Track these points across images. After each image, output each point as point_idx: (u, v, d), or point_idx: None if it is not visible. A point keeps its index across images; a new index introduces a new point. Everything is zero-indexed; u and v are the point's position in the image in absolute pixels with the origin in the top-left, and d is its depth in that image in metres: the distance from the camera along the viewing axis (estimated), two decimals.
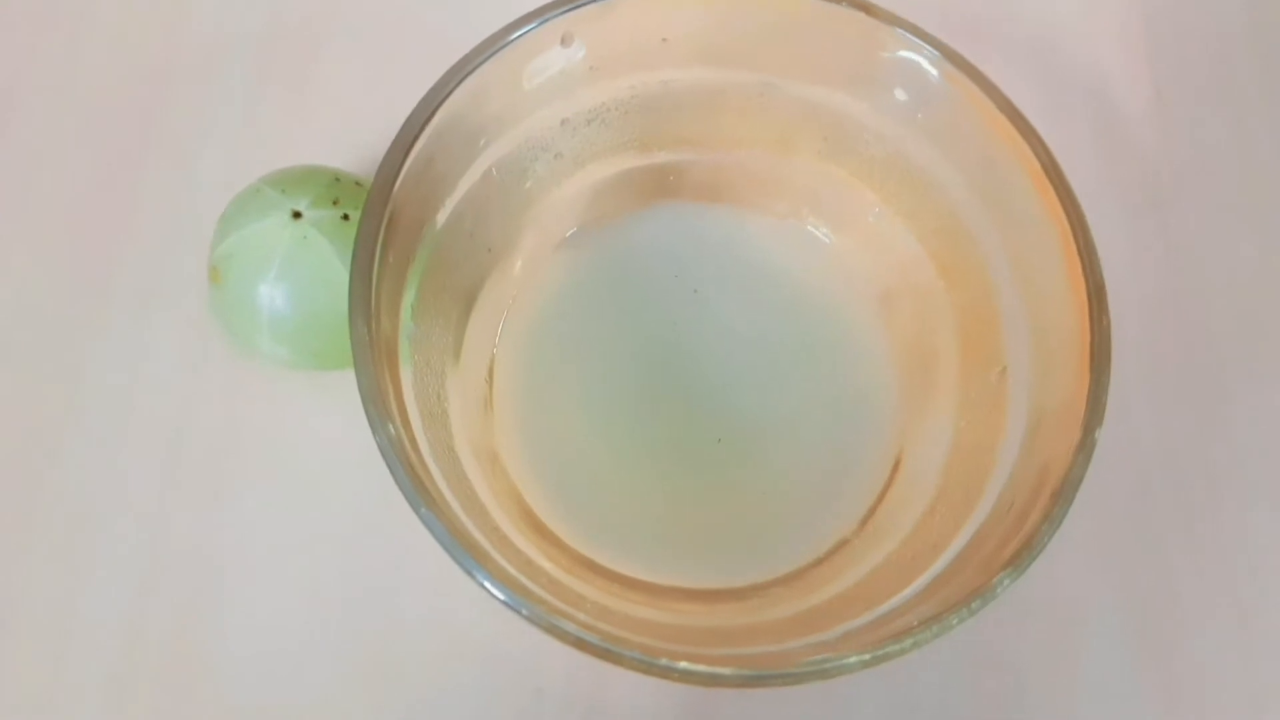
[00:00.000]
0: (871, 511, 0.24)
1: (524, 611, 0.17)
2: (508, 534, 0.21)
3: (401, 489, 0.17)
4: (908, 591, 0.20)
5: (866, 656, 0.17)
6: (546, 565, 0.21)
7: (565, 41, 0.23)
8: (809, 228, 0.27)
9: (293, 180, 0.24)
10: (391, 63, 0.30)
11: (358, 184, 0.25)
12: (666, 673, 0.17)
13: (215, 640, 0.24)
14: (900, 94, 0.23)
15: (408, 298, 0.21)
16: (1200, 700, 0.25)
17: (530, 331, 0.25)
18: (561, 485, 0.24)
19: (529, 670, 0.24)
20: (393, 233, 0.20)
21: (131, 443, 0.26)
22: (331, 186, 0.24)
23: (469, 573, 0.17)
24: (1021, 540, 0.19)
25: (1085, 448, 0.19)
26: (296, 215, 0.24)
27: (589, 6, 0.22)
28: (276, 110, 0.30)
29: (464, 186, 0.23)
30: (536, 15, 0.22)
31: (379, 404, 0.18)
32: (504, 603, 0.17)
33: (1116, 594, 0.25)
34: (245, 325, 0.24)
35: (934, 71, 0.23)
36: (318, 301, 0.24)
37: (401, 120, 0.21)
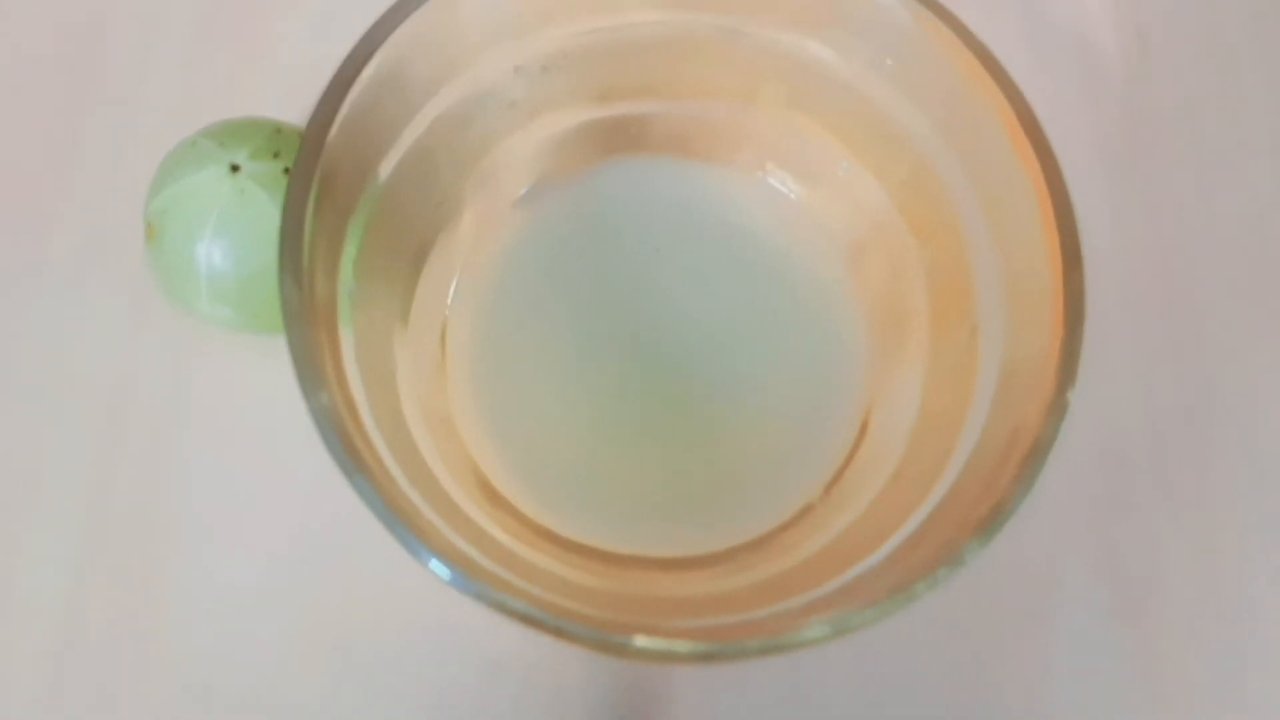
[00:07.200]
0: (838, 476, 0.23)
1: (469, 590, 0.16)
2: (459, 503, 0.20)
3: (335, 458, 0.16)
4: (874, 557, 0.20)
5: (828, 630, 0.17)
6: (501, 536, 0.20)
7: None
8: (774, 182, 0.26)
9: (231, 132, 0.23)
10: (344, 8, 0.28)
11: (301, 136, 0.24)
12: (621, 650, 0.16)
13: (160, 613, 0.23)
14: (869, 38, 0.22)
15: (348, 253, 0.20)
16: (1178, 665, 0.24)
17: (485, 292, 0.24)
18: (519, 451, 0.23)
19: (486, 641, 0.23)
20: (329, 185, 0.19)
21: (69, 407, 0.25)
22: (273, 138, 0.23)
23: (406, 548, 0.16)
24: (991, 504, 0.18)
25: (1057, 408, 0.19)
26: (235, 168, 0.22)
27: None
28: (221, 60, 0.28)
29: (409, 136, 0.21)
30: None
31: (311, 368, 0.17)
32: (447, 581, 0.16)
33: (1091, 558, 0.25)
34: (184, 285, 0.23)
35: (905, 14, 0.21)
36: (258, 259, 0.22)
37: None
